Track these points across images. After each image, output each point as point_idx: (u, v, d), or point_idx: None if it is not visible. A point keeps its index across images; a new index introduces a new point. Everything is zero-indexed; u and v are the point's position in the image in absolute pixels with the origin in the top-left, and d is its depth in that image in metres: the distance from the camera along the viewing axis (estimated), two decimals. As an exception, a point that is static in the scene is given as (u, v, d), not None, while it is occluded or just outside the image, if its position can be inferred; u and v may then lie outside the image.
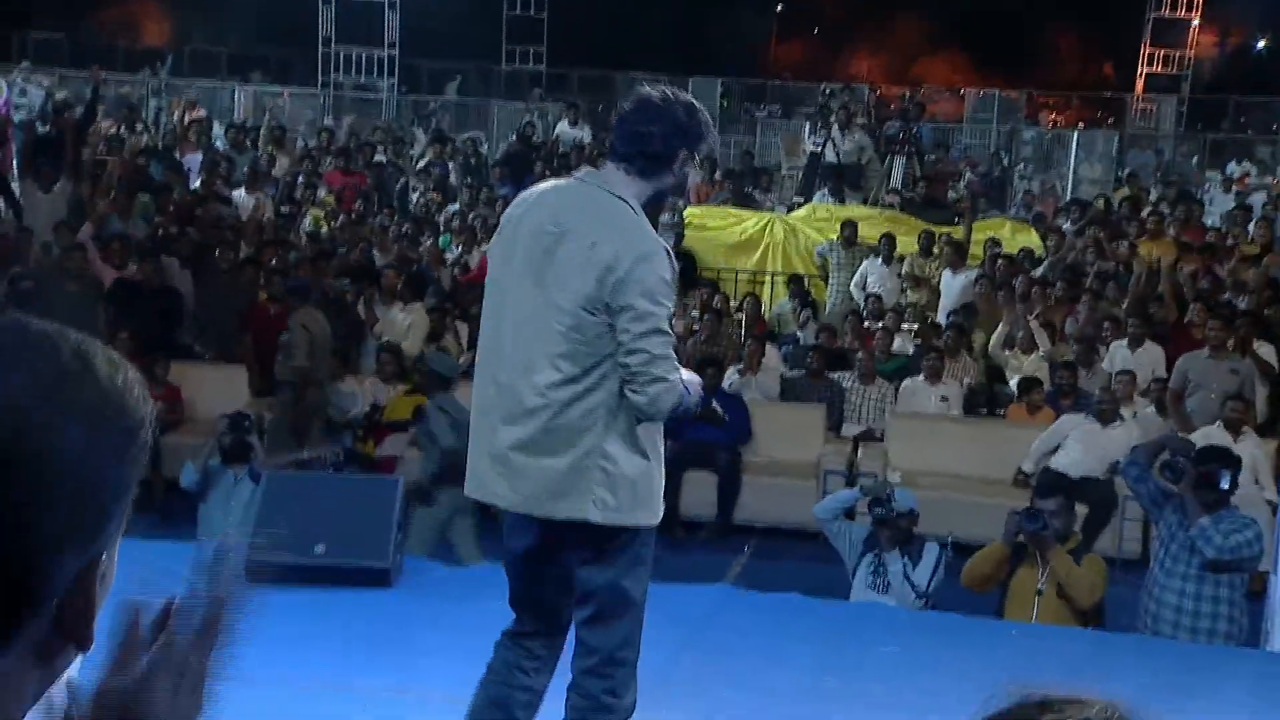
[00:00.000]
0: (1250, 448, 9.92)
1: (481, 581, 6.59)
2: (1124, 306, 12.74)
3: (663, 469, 3.95)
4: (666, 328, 3.77)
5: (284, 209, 16.61)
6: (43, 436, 1.08)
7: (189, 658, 1.17)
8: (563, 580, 4.00)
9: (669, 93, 3.95)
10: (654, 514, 3.91)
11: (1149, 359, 11.70)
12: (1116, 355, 11.74)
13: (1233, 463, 7.19)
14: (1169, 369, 11.47)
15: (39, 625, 1.12)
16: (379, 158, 19.61)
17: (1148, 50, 27.34)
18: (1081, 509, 9.48)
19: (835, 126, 18.74)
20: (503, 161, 20.21)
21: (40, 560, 1.09)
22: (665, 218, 16.37)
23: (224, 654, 1.19)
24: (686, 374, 3.92)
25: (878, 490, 7.62)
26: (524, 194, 4.14)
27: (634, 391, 3.74)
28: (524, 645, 4.12)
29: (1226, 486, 6.99)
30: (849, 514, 7.95)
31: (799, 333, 13.68)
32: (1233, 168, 22.10)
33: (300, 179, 17.97)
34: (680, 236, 15.69)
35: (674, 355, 3.78)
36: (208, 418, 11.01)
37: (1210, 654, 6.39)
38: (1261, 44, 37.25)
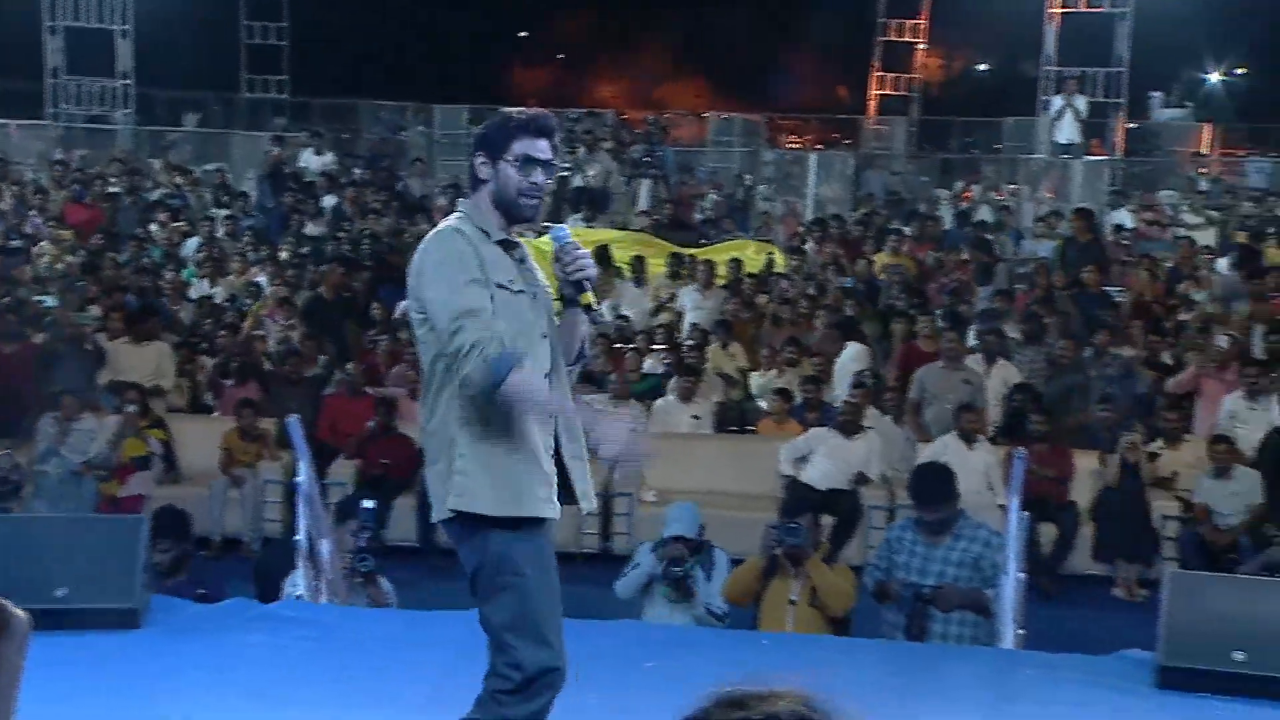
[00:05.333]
0: (983, 455, 10.41)
1: (232, 616, 6.50)
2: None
3: (540, 463, 3.99)
4: (451, 298, 3.89)
5: (14, 243, 15.98)
6: None
7: None
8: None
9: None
10: (514, 505, 3.93)
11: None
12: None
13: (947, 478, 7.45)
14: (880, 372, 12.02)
15: None
16: (113, 189, 19.06)
17: (878, 73, 28.35)
18: (828, 519, 9.78)
19: (581, 151, 18.97)
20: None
21: None
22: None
23: None
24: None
25: (672, 552, 7.63)
26: None
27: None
28: None
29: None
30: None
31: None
32: (958, 185, 23.08)
33: (32, 213, 17.33)
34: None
35: (468, 325, 3.84)
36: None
37: (949, 654, 6.65)
38: (984, 67, 39.02)
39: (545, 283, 4.23)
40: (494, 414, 3.91)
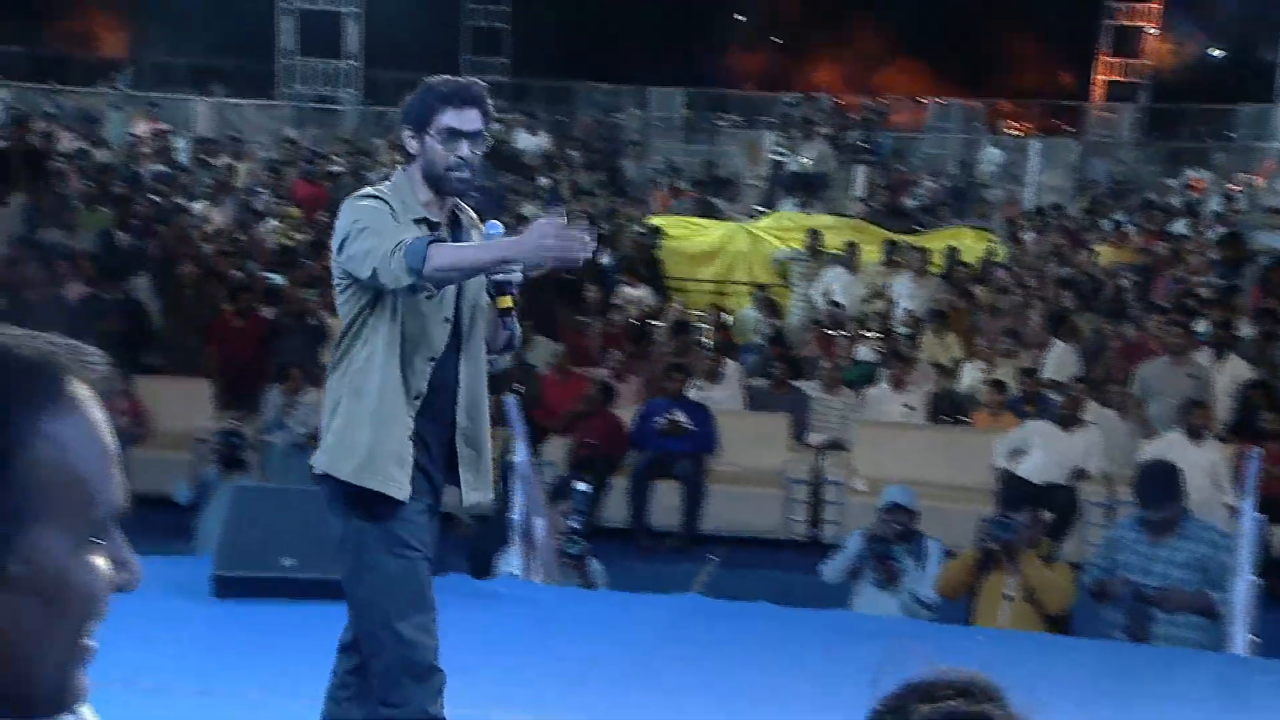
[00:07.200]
0: (1210, 453, 10.01)
1: (450, 592, 6.61)
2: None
3: (394, 437, 3.86)
4: (357, 232, 3.75)
5: (248, 218, 16.57)
6: None
7: None
8: None
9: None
10: (364, 474, 3.86)
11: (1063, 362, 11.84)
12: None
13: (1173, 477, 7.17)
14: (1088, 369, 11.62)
15: None
16: (335, 168, 19.62)
17: (1105, 58, 27.55)
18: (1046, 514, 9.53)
19: (798, 136, 18.88)
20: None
21: None
22: (638, 233, 16.40)
23: None
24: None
25: (882, 530, 7.61)
26: None
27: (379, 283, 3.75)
28: (341, 659, 4.21)
29: None
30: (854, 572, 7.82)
31: (763, 342, 13.70)
32: (1187, 174, 22.29)
33: (262, 190, 17.94)
34: (651, 245, 15.75)
35: (374, 234, 3.71)
36: (173, 432, 10.98)
37: (1174, 658, 6.43)
38: (1217, 52, 37.60)
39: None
40: (390, 399, 3.85)
